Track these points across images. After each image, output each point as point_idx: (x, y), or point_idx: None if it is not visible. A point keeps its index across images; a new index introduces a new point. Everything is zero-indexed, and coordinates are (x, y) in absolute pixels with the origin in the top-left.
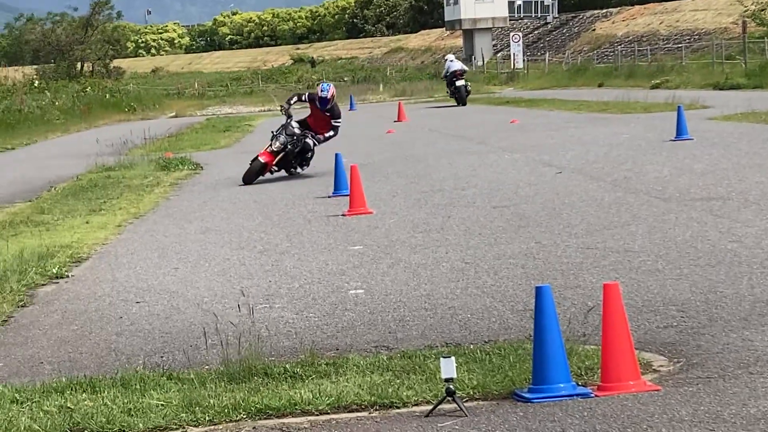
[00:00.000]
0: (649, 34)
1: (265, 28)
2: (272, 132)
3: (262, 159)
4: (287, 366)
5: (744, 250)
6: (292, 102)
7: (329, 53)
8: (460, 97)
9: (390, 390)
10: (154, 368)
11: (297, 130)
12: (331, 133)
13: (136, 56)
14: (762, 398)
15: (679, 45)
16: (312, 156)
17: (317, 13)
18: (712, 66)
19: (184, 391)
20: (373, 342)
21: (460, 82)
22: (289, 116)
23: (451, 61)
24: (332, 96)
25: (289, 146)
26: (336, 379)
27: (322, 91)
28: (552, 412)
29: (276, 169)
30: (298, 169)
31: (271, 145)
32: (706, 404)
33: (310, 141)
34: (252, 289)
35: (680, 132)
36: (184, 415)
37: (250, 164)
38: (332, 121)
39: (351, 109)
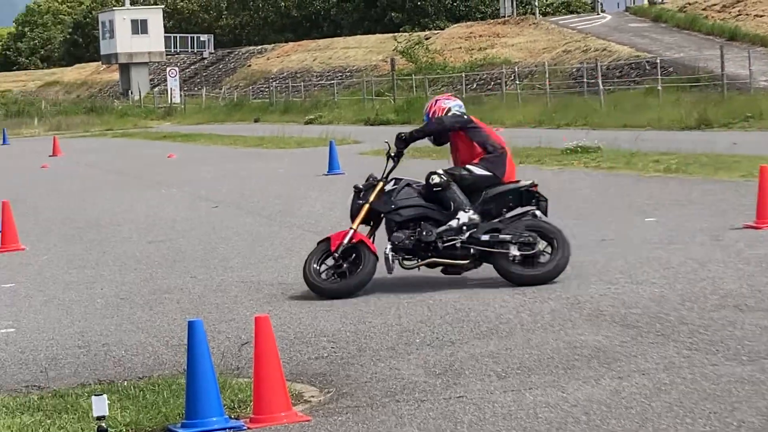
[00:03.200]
0: (303, 70)
1: None
2: None
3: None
4: None
5: (392, 281)
6: None
7: None
8: None
9: (40, 431)
10: None
11: None
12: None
13: None
14: (408, 425)
15: (332, 81)
16: None
17: None
18: (363, 102)
19: None
20: (24, 382)
21: None
22: None
23: None
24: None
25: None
26: None
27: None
28: None
29: None
30: None
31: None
32: None
33: None
34: None
35: (332, 166)
36: None
37: None
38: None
39: (4, 143)
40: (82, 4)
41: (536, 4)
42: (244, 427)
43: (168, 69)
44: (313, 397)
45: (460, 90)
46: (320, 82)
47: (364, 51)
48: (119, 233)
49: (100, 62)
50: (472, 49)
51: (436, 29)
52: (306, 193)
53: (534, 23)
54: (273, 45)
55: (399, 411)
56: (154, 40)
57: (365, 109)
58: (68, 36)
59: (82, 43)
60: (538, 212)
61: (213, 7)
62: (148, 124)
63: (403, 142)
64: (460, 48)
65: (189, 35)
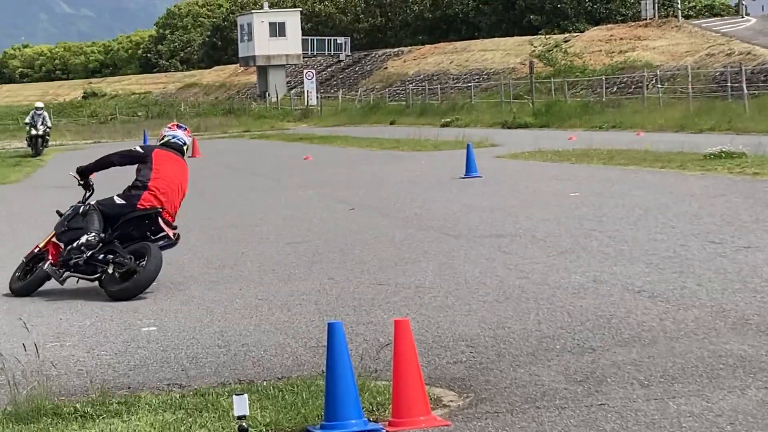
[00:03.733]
0: (439, 73)
1: (56, 61)
2: None
3: None
4: (77, 405)
5: (531, 286)
6: None
7: (123, 87)
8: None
9: (182, 428)
10: None
11: None
12: None
13: None
14: None
15: (469, 84)
16: None
17: (110, 48)
18: (500, 105)
19: None
20: (166, 380)
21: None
22: None
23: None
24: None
25: None
26: (127, 419)
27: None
28: None
29: None
30: None
31: None
32: None
33: None
34: (41, 327)
35: (469, 169)
36: None
37: None
38: None
39: (144, 143)
40: (221, 7)
41: (678, 6)
42: (383, 430)
43: (305, 71)
44: (451, 401)
45: (600, 93)
46: (457, 84)
47: (501, 53)
48: (257, 234)
49: (238, 64)
50: (613, 52)
51: (575, 32)
52: (443, 196)
53: (676, 26)
54: (409, 47)
55: (539, 418)
56: (292, 43)
57: (502, 112)
58: (207, 39)
59: (221, 46)
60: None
61: (350, 10)
62: (285, 126)
63: (80, 174)
64: (600, 51)
65: (326, 38)
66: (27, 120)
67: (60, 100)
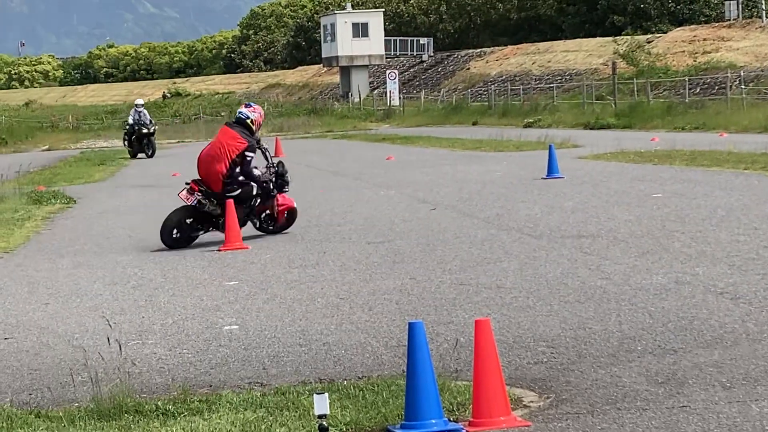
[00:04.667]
0: (521, 73)
1: (141, 61)
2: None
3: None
4: (159, 403)
5: (612, 287)
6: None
7: (206, 87)
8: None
9: (263, 427)
10: (21, 406)
11: None
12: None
13: (8, 88)
14: None
15: (551, 85)
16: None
17: (194, 48)
18: (583, 106)
19: (52, 429)
20: (247, 378)
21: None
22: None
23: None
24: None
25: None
26: (208, 417)
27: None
28: None
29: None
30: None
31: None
32: None
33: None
34: (124, 325)
35: (551, 170)
36: None
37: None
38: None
39: None
40: (305, 7)
41: (763, 7)
42: (463, 430)
43: (388, 72)
44: (532, 402)
45: (683, 94)
46: (539, 85)
47: (584, 54)
48: (339, 234)
49: (321, 65)
50: (696, 53)
51: (658, 32)
52: (524, 197)
53: (761, 26)
54: (492, 48)
55: (620, 419)
56: (375, 43)
57: (585, 112)
58: (291, 39)
59: (304, 46)
60: None
61: (433, 11)
62: (368, 126)
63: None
64: (683, 52)
65: (409, 38)
66: (130, 119)
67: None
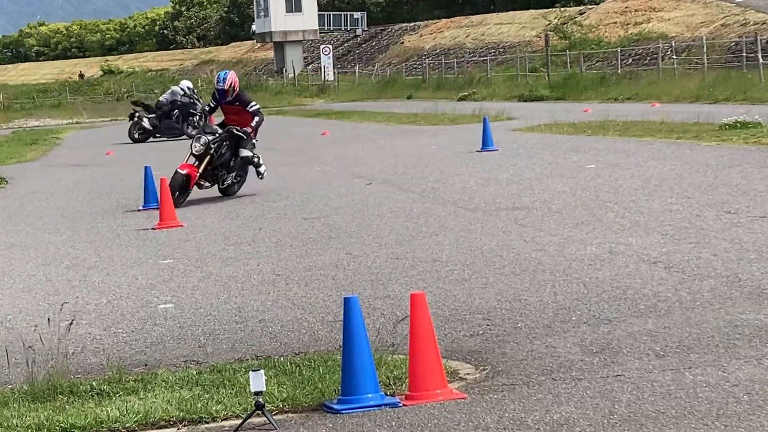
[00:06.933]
0: (455, 47)
1: (72, 39)
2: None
3: (182, 171)
4: (94, 383)
5: (547, 259)
6: (205, 121)
7: (140, 64)
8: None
9: (199, 405)
10: None
11: (218, 129)
12: (256, 119)
13: None
14: (565, 404)
15: (485, 58)
16: (254, 163)
17: (126, 25)
18: (516, 78)
19: None
20: (183, 357)
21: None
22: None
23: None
24: (231, 85)
25: (213, 146)
26: (144, 396)
27: (218, 82)
28: (361, 423)
29: (206, 184)
30: (230, 183)
31: (190, 150)
32: (511, 411)
33: (239, 133)
34: (58, 306)
35: (486, 143)
36: None
37: (170, 182)
38: (247, 108)
39: None
40: None
41: None
42: (400, 404)
43: (322, 47)
44: (468, 374)
45: (615, 65)
46: (473, 58)
47: (517, 27)
48: (275, 210)
49: (254, 41)
50: (628, 24)
51: (590, 4)
52: (459, 170)
53: None
54: (425, 22)
55: (556, 389)
56: (308, 19)
57: (519, 85)
58: (224, 15)
59: (238, 22)
60: None
61: None
62: (302, 102)
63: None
64: (615, 23)
65: (342, 13)
66: (184, 96)
67: (76, 78)
